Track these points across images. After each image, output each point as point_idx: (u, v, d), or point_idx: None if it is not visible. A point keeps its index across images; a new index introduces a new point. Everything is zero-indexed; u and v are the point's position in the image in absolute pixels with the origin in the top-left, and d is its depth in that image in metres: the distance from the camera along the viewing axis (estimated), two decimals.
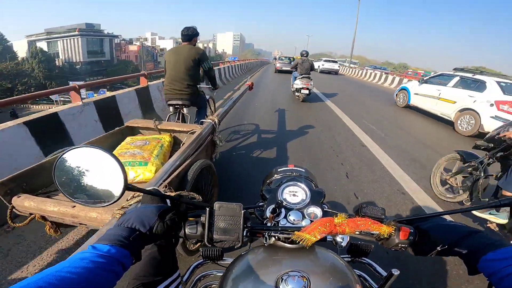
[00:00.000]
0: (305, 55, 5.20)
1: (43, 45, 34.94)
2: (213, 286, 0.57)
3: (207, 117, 1.95)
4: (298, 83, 4.91)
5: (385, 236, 0.41)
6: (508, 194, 1.42)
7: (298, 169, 0.76)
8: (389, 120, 4.51)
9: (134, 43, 51.17)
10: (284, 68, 13.37)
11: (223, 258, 0.50)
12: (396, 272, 0.46)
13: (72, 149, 0.36)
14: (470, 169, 1.69)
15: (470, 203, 1.67)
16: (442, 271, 1.24)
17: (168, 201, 0.46)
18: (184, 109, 2.14)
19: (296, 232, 0.40)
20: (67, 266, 0.29)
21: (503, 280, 0.31)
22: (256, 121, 3.53)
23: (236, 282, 0.40)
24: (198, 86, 2.16)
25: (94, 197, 0.37)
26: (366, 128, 3.65)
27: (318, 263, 0.43)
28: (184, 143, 1.39)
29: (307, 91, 4.88)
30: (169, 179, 0.96)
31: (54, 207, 0.92)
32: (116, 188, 0.36)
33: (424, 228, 0.41)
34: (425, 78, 5.70)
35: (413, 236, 0.41)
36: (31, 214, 0.98)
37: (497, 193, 1.51)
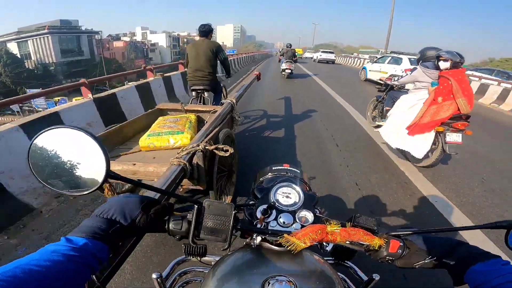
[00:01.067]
0: (289, 46, 8.95)
1: (13, 46, 33.82)
2: (193, 281, 0.59)
3: (222, 102, 2.42)
4: (284, 66, 8.48)
5: (375, 248, 0.44)
6: (387, 108, 3.09)
7: (293, 169, 0.80)
8: (351, 86, 8.22)
9: (122, 38, 51.43)
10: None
11: (207, 256, 0.52)
12: (376, 277, 0.51)
13: (50, 129, 0.34)
14: (378, 103, 3.59)
15: (381, 121, 3.29)
16: (428, 279, 1.31)
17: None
18: (205, 93, 2.82)
19: (285, 235, 0.43)
20: (36, 258, 0.29)
21: None
22: (264, 91, 6.41)
23: (221, 283, 0.42)
24: (217, 73, 2.80)
25: (71, 184, 0.36)
26: (335, 89, 6.97)
27: (305, 268, 0.46)
28: (209, 118, 1.83)
29: (289, 71, 8.37)
30: (207, 139, 1.39)
31: (118, 166, 1.31)
32: (98, 174, 0.35)
33: (412, 241, 0.45)
34: (374, 60, 10.13)
35: (402, 250, 0.44)
36: None
37: (383, 109, 3.28)
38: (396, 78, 3.08)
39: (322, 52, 21.12)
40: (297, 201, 0.56)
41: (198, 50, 2.63)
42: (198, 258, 0.53)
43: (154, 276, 0.51)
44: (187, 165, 1.19)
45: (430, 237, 0.45)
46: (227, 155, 1.28)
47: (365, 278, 0.57)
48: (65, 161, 0.35)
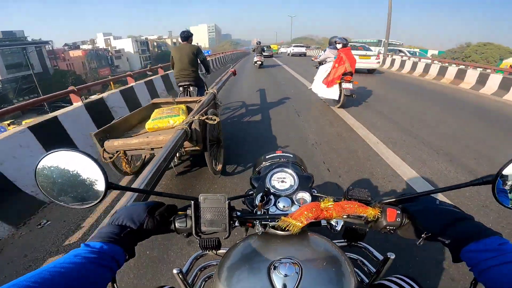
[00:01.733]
0: (258, 44, 12.67)
1: None
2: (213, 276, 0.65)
3: (206, 92, 3.14)
4: (255, 59, 12.33)
5: (372, 218, 0.49)
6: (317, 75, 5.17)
7: (286, 154, 0.89)
8: (306, 68, 11.80)
9: (81, 47, 49.19)
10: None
11: (222, 248, 0.58)
12: (392, 255, 0.57)
13: (51, 153, 0.42)
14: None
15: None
16: (437, 256, 1.49)
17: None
18: (190, 88, 3.65)
19: (282, 218, 0.48)
20: (61, 262, 0.36)
21: (484, 273, 0.35)
22: (246, 75, 10.53)
23: (231, 271, 0.48)
24: (198, 71, 3.64)
25: (78, 199, 0.44)
26: (296, 70, 11.18)
27: (310, 250, 0.51)
28: (196, 107, 2.52)
29: (260, 62, 12.17)
30: (198, 114, 2.06)
31: (135, 140, 1.99)
32: (99, 188, 0.43)
33: (411, 211, 0.47)
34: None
35: (401, 217, 0.48)
36: (117, 151, 2.01)
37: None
38: (318, 57, 5.37)
39: (294, 46, 26.20)
40: (292, 184, 0.62)
41: (182, 53, 3.44)
42: (214, 252, 0.58)
43: (175, 271, 0.57)
44: (188, 129, 1.86)
45: (430, 208, 0.46)
46: (215, 123, 2.01)
47: (380, 257, 0.61)
48: (69, 179, 0.43)
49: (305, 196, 0.58)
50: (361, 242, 0.65)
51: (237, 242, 0.55)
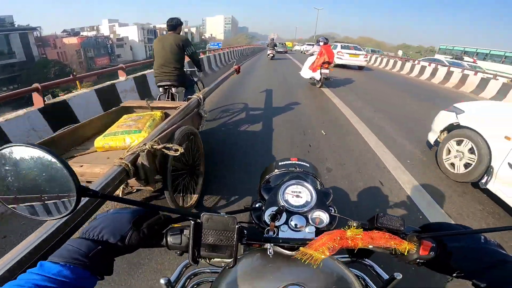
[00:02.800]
0: (272, 40, 19.02)
1: None
2: (204, 283, 0.66)
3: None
4: (268, 52, 17.84)
5: (405, 253, 0.46)
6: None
7: (303, 163, 0.85)
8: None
9: (82, 34, 50.55)
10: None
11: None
12: (398, 276, 0.56)
13: (7, 147, 0.35)
14: None
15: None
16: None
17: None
18: (173, 89, 3.20)
19: (301, 249, 0.46)
20: None
21: None
22: (261, 63, 15.76)
23: None
24: (184, 68, 3.22)
25: (43, 208, 0.38)
26: (301, 62, 12.57)
27: (320, 274, 0.49)
28: (160, 125, 2.10)
29: (272, 55, 17.42)
30: (157, 138, 1.61)
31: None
32: (69, 196, 0.37)
33: (449, 247, 0.45)
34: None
35: (435, 251, 0.46)
36: None
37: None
38: (308, 51, 10.35)
39: (308, 44, 33.06)
40: (309, 200, 0.59)
41: (164, 44, 3.01)
42: (207, 260, 0.55)
43: (162, 281, 0.57)
44: (130, 166, 1.34)
45: (467, 248, 0.45)
46: (176, 154, 1.51)
47: (386, 276, 0.61)
48: (30, 183, 0.37)
49: (322, 215, 0.57)
50: (366, 259, 0.65)
51: (238, 257, 0.51)
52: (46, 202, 0.38)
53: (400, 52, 39.43)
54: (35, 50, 35.79)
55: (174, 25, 3.05)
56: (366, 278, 0.65)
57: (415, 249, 0.47)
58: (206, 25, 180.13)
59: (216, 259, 0.54)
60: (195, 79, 3.82)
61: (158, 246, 0.50)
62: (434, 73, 11.64)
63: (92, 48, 44.79)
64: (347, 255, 0.63)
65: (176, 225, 0.51)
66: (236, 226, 0.46)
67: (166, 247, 0.50)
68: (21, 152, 0.36)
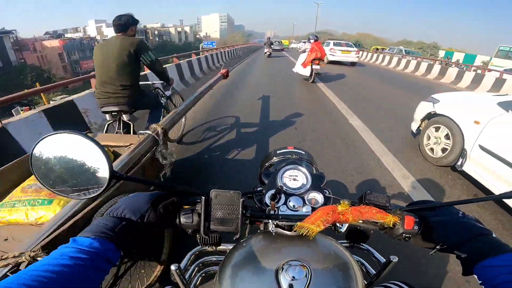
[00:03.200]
0: (268, 39, 20.82)
1: None
2: (212, 272, 0.72)
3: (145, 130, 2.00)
4: (265, 50, 19.69)
5: (390, 225, 0.52)
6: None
7: (298, 151, 0.95)
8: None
9: (67, 36, 49.97)
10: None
11: (222, 245, 0.64)
12: (394, 259, 0.61)
13: (49, 136, 0.42)
14: None
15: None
16: (443, 265, 1.75)
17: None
18: (124, 116, 2.33)
19: (298, 224, 0.52)
20: (46, 264, 0.35)
21: None
22: (260, 60, 17.78)
23: (236, 270, 0.51)
24: (151, 82, 2.56)
25: (78, 189, 0.45)
26: (294, 58, 16.35)
27: (318, 251, 0.55)
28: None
29: (268, 53, 19.27)
30: (70, 222, 1.00)
31: None
32: (102, 177, 0.44)
33: (431, 221, 0.51)
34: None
35: (418, 226, 0.52)
36: None
37: None
38: (300, 48, 16.22)
39: (304, 42, 34.18)
40: (305, 183, 0.66)
41: (107, 53, 2.17)
42: (214, 248, 0.67)
43: (172, 267, 0.62)
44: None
45: (447, 220, 0.51)
46: None
47: (382, 260, 0.68)
48: (68, 166, 0.45)
49: (317, 196, 0.63)
50: (363, 244, 0.73)
51: (241, 240, 0.60)
52: (80, 183, 0.46)
53: (442, 53, 35.39)
54: (12, 55, 35.14)
55: (124, 24, 2.20)
56: (365, 262, 0.72)
57: (399, 222, 0.52)
58: (201, 24, 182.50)
59: (222, 247, 0.69)
60: (168, 93, 3.02)
61: (172, 226, 0.56)
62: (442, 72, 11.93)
63: (76, 51, 44.12)
64: (346, 240, 0.68)
65: (187, 207, 0.57)
66: (241, 199, 0.54)
67: (180, 227, 0.56)
68: (64, 139, 0.44)
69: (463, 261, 0.47)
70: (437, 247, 0.51)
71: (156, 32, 70.24)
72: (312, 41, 7.62)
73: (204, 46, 18.03)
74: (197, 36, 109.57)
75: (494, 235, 0.48)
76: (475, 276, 0.44)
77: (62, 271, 0.35)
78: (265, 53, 19.26)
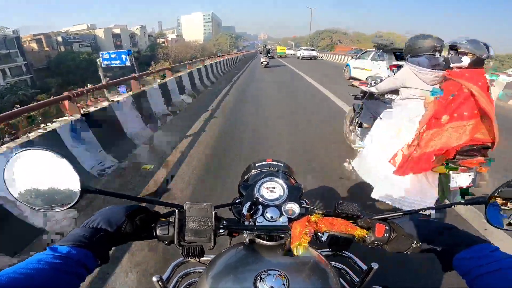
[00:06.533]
0: (265, 46, 24.62)
1: None
2: (195, 284, 0.79)
3: None
4: (262, 59, 19.92)
5: (359, 238, 0.63)
6: (365, 124, 3.17)
7: (276, 163, 1.06)
8: (304, 65, 22.80)
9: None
10: None
11: (205, 255, 0.72)
12: (375, 266, 0.71)
13: (21, 151, 0.51)
14: (355, 115, 3.77)
15: (359, 143, 3.29)
16: (423, 266, 1.90)
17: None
18: None
19: (292, 246, 0.59)
20: (23, 267, 0.42)
21: (476, 281, 0.47)
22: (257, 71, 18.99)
23: (216, 280, 0.60)
24: None
25: (49, 202, 0.54)
26: (294, 66, 21.41)
27: (297, 261, 0.62)
28: None
29: (266, 62, 19.47)
30: None
31: None
32: (73, 191, 0.53)
33: (399, 224, 0.62)
34: (357, 56, 12.88)
35: (388, 233, 0.62)
36: None
37: (361, 125, 3.38)
38: (373, 82, 3.00)
39: (304, 49, 33.56)
40: (281, 194, 0.75)
41: None
42: (197, 259, 0.74)
43: (154, 279, 0.71)
44: None
45: (417, 220, 0.62)
46: None
47: (364, 267, 0.76)
48: (40, 181, 0.53)
49: (294, 207, 0.70)
50: (345, 252, 0.83)
51: (222, 250, 0.71)
52: (52, 196, 0.54)
53: None
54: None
55: None
56: (348, 270, 0.81)
57: (370, 233, 0.62)
58: (181, 25, 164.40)
59: (205, 258, 0.74)
60: None
61: (148, 238, 0.65)
62: None
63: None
64: (328, 249, 0.75)
65: (163, 219, 0.66)
66: (213, 212, 0.62)
67: (156, 239, 0.64)
68: (34, 155, 0.52)
69: (440, 255, 0.56)
70: (412, 245, 0.59)
71: (56, 39, 56.24)
72: (463, 60, 1.95)
73: (105, 63, 11.38)
74: (161, 40, 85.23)
75: (459, 228, 0.58)
76: (456, 271, 0.52)
77: (38, 274, 0.41)
78: (262, 62, 19.31)
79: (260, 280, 0.55)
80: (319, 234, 0.64)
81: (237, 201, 0.82)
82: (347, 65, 13.16)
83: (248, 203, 0.69)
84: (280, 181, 0.77)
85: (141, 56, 61.94)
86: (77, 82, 35.84)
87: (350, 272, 0.81)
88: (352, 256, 0.83)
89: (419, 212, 0.65)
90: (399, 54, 7.33)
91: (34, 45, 51.42)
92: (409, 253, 0.60)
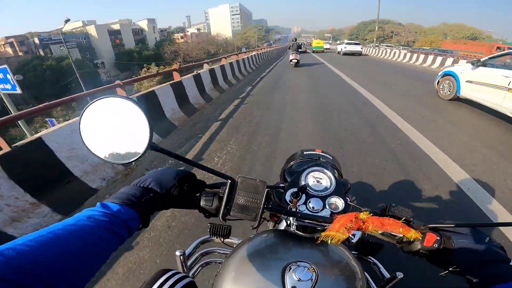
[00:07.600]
0: (293, 40, 15.98)
1: None
2: (213, 263, 0.86)
3: None
4: (291, 57, 15.87)
5: (411, 240, 0.60)
6: None
7: (325, 155, 1.10)
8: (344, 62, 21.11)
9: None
10: None
11: (230, 238, 0.79)
12: (400, 275, 0.73)
13: (98, 100, 0.52)
14: None
15: None
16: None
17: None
18: None
19: (323, 234, 0.59)
20: (71, 223, 0.43)
21: None
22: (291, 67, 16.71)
23: (242, 264, 0.61)
24: None
25: (115, 153, 0.55)
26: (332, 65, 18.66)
27: (328, 257, 0.64)
28: None
29: (296, 61, 15.74)
30: None
31: None
32: (140, 145, 0.53)
33: (451, 242, 0.58)
34: (482, 59, 6.57)
35: (438, 244, 0.59)
36: None
37: None
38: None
39: (347, 43, 30.27)
40: (328, 186, 0.75)
41: None
42: (222, 239, 0.79)
43: (177, 253, 0.74)
44: None
45: (467, 243, 0.57)
46: None
47: (387, 275, 0.76)
48: (111, 131, 0.54)
49: (339, 202, 0.70)
50: (371, 257, 0.83)
51: (251, 235, 0.71)
52: (117, 149, 0.55)
53: None
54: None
55: None
56: (367, 275, 0.77)
57: (420, 238, 0.59)
58: (209, 18, 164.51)
59: (229, 240, 0.79)
60: None
61: (190, 207, 0.67)
62: None
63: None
64: (355, 251, 0.78)
65: (208, 190, 0.68)
66: (266, 189, 0.61)
67: (198, 209, 0.67)
68: (112, 103, 0.53)
69: (474, 285, 0.53)
70: (450, 268, 0.57)
71: (34, 41, 49.22)
72: None
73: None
74: (179, 35, 77.17)
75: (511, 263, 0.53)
76: None
77: (85, 232, 0.42)
78: (291, 61, 15.58)
79: (289, 270, 0.55)
80: (350, 236, 0.60)
81: (280, 185, 0.79)
82: (449, 73, 7.58)
83: (295, 189, 0.71)
84: (329, 173, 0.77)
85: (141, 56, 54.67)
86: (50, 95, 31.10)
87: (369, 279, 0.78)
88: (377, 262, 0.83)
89: (483, 234, 0.58)
90: None
91: (9, 50, 45.60)
92: (443, 275, 0.58)
